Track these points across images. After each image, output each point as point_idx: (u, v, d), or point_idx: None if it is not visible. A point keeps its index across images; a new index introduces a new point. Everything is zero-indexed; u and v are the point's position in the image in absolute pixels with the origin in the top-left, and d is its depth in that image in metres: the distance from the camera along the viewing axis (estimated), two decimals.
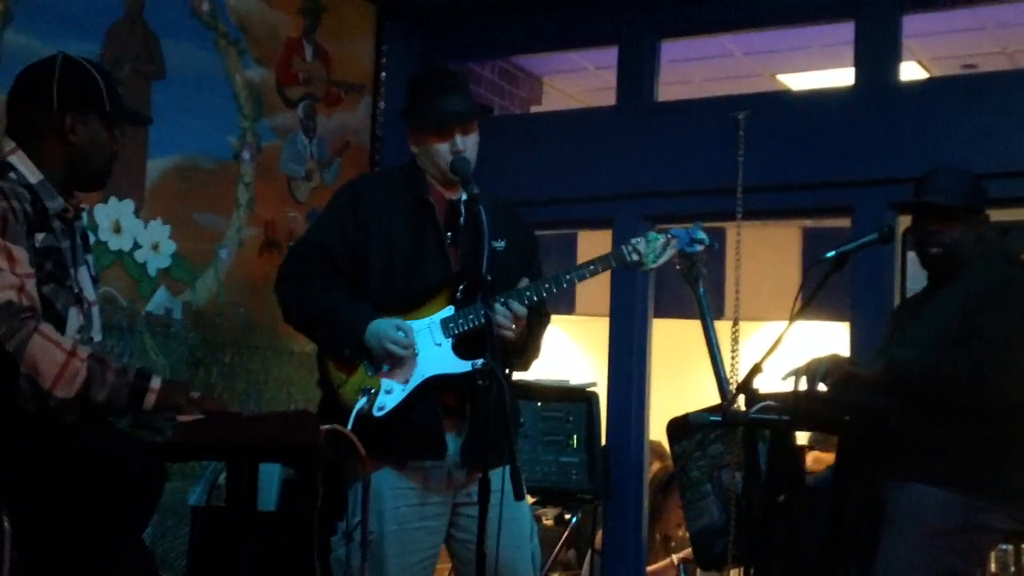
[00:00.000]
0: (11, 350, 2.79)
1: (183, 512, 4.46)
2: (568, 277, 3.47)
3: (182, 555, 4.46)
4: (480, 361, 3.34)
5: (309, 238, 3.63)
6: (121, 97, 3.21)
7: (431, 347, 3.42)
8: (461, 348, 3.43)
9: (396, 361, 3.39)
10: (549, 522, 6.47)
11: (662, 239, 3.56)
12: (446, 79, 3.67)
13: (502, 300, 3.38)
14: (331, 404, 3.45)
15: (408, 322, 3.42)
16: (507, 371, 3.44)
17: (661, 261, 3.56)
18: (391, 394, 3.39)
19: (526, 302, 3.42)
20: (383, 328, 3.38)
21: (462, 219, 3.56)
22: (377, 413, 3.35)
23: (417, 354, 3.41)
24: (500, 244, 3.38)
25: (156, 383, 2.96)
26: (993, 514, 3.59)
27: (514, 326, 3.40)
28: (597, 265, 3.52)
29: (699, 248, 3.61)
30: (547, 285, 3.47)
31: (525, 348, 3.58)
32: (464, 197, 3.56)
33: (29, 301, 2.86)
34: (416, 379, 3.40)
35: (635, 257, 3.53)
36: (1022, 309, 3.63)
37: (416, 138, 3.58)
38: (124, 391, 2.91)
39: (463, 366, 3.40)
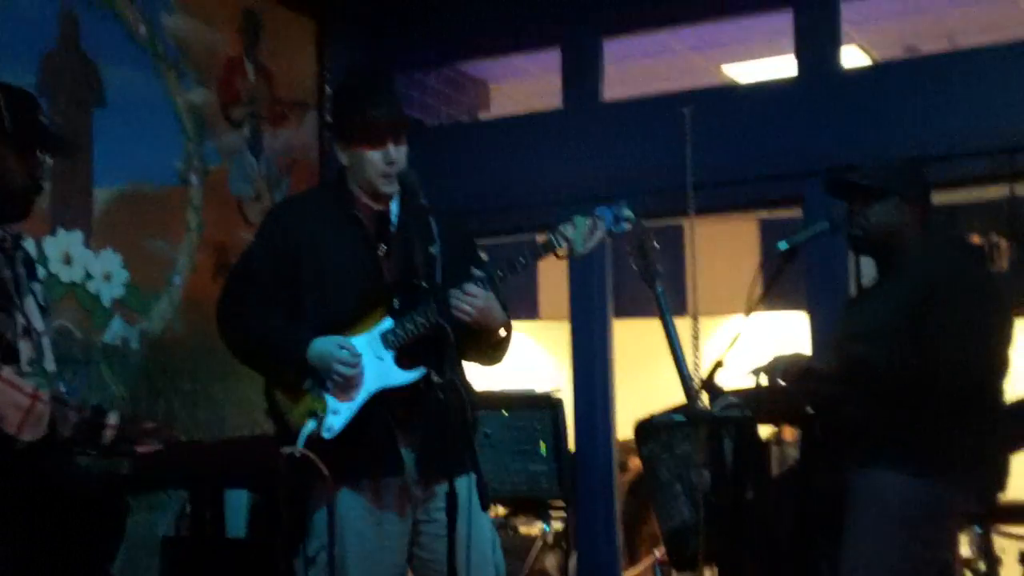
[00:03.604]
0: None
1: (153, 544, 4.41)
2: (500, 273, 3.43)
3: None
4: (423, 369, 3.31)
5: (238, 270, 3.59)
6: (36, 121, 3.13)
7: (374, 361, 3.38)
8: (404, 359, 3.40)
9: (345, 380, 3.35)
10: (525, 529, 6.46)
11: (588, 221, 3.51)
12: (376, 88, 3.62)
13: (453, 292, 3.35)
14: (283, 432, 3.41)
15: (349, 339, 3.39)
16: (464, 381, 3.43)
17: (591, 244, 3.50)
18: (338, 415, 3.35)
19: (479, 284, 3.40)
20: (326, 348, 3.34)
21: (392, 228, 3.53)
22: (326, 435, 3.30)
23: (362, 371, 3.38)
24: (435, 249, 3.35)
25: (113, 419, 2.97)
26: (956, 497, 3.60)
27: (470, 307, 3.36)
28: (527, 258, 3.48)
29: (625, 226, 3.56)
30: (480, 274, 3.43)
31: (501, 341, 3.55)
32: (395, 208, 3.54)
33: None
34: (362, 396, 3.36)
35: (564, 243, 3.50)
36: (966, 299, 3.63)
37: (346, 147, 3.54)
38: (84, 427, 2.92)
39: (407, 377, 3.37)
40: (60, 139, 3.40)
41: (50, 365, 3.13)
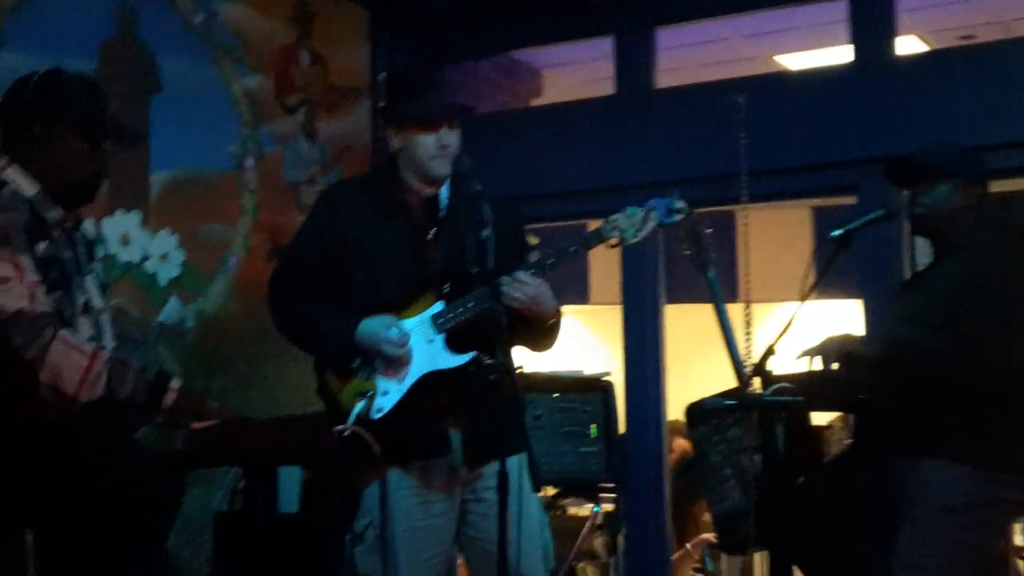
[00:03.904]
0: (29, 358, 2.79)
1: (206, 519, 4.47)
2: (551, 262, 3.44)
3: (206, 562, 4.47)
4: (473, 353, 3.33)
5: (288, 254, 3.64)
6: (104, 112, 3.16)
7: (423, 344, 3.40)
8: (454, 343, 3.42)
9: (393, 360, 3.38)
10: (574, 511, 6.48)
11: (641, 212, 3.51)
12: (430, 75, 3.66)
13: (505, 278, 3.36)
14: (331, 412, 3.44)
15: (399, 322, 3.41)
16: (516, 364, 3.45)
17: (642, 235, 3.50)
18: (387, 395, 3.37)
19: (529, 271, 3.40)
20: (375, 328, 3.36)
21: (441, 214, 3.55)
22: (375, 415, 3.33)
23: (411, 353, 3.40)
24: (487, 233, 3.37)
25: (176, 383, 2.99)
26: (1009, 486, 3.57)
27: (521, 294, 3.37)
28: (578, 247, 3.48)
29: (677, 217, 3.55)
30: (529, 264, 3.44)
31: (550, 328, 3.55)
32: (444, 193, 3.56)
33: (43, 307, 2.86)
34: (411, 378, 3.38)
35: (615, 233, 3.50)
36: (1013, 287, 3.61)
37: (398, 131, 3.55)
38: (144, 388, 2.94)
39: (457, 360, 3.38)
40: (125, 129, 3.45)
41: (109, 342, 3.17)
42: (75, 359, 2.85)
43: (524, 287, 3.36)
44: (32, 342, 2.81)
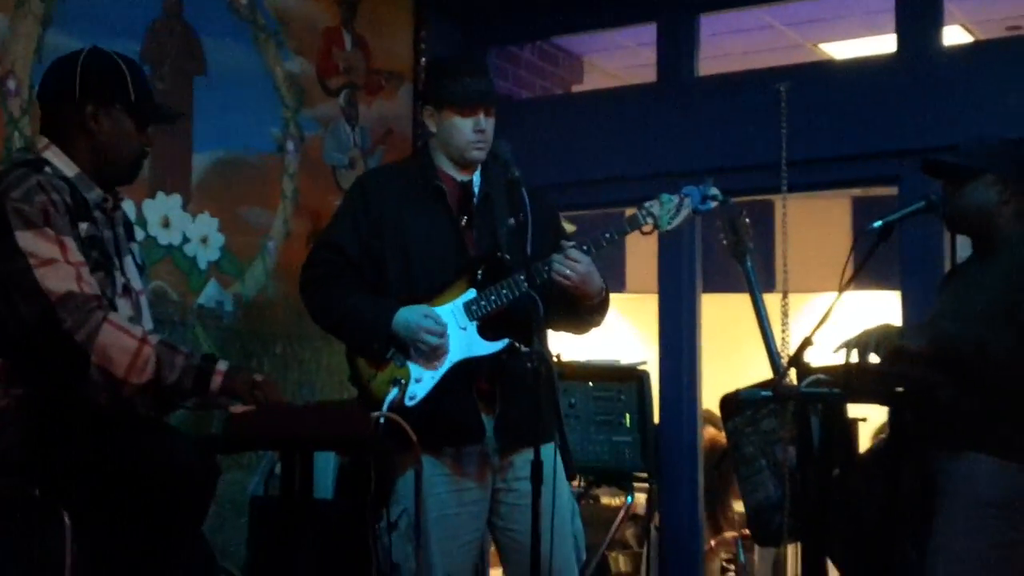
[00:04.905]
0: (80, 341, 2.79)
1: (242, 503, 4.51)
2: (586, 248, 3.44)
3: (242, 545, 4.51)
4: (507, 340, 3.34)
5: (324, 240, 3.65)
6: (151, 92, 3.17)
7: (456, 331, 3.41)
8: (488, 329, 3.43)
9: (428, 350, 3.39)
10: (607, 500, 6.49)
11: (675, 199, 3.51)
12: (472, 62, 3.68)
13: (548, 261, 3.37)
14: (364, 399, 3.45)
15: (432, 309, 3.42)
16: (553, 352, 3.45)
17: (676, 222, 3.50)
18: (421, 383, 3.39)
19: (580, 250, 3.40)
20: (412, 318, 3.38)
21: (475, 200, 3.56)
22: (408, 403, 3.35)
23: (447, 341, 3.41)
24: (525, 219, 3.37)
25: (223, 366, 2.97)
26: None
27: (572, 271, 3.37)
28: (612, 233, 3.48)
29: (712, 205, 3.55)
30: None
31: (598, 307, 3.55)
32: (477, 179, 3.57)
33: (91, 289, 2.86)
34: (445, 365, 3.40)
35: (649, 220, 3.49)
36: None
37: (436, 113, 3.57)
38: (191, 373, 2.92)
39: (491, 347, 3.40)
40: (171, 112, 3.47)
41: (147, 323, 3.18)
42: (125, 342, 2.84)
43: (575, 265, 3.37)
44: (83, 324, 2.80)
